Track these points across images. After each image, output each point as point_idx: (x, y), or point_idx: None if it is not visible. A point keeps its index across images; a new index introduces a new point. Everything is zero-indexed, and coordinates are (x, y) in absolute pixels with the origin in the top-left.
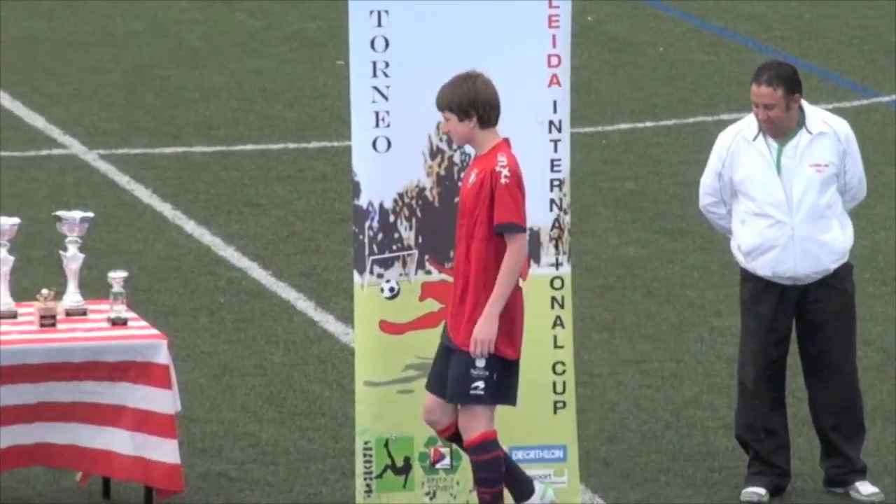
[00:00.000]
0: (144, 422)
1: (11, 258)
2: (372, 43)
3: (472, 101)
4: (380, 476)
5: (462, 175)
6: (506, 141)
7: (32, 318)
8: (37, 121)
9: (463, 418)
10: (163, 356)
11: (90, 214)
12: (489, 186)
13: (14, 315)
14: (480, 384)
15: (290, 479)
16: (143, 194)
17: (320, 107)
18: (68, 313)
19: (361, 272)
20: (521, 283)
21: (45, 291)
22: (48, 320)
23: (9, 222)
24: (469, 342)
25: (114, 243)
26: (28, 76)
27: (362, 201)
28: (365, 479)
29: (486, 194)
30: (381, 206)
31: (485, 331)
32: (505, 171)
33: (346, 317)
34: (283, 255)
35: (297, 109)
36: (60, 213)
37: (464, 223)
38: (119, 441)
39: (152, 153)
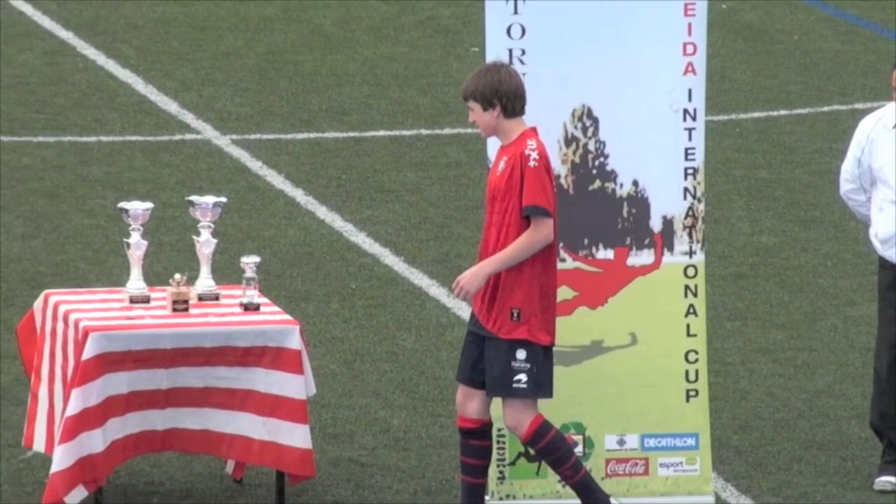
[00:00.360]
0: (276, 407)
1: (145, 242)
2: (508, 30)
3: (495, 91)
4: (513, 463)
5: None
6: (533, 129)
7: (165, 303)
8: (170, 106)
9: (511, 414)
10: (295, 341)
11: (223, 199)
12: (519, 170)
13: (147, 300)
14: (523, 377)
15: (422, 466)
16: (276, 180)
17: (454, 93)
18: (201, 298)
19: None
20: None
21: (177, 276)
22: (181, 305)
23: (142, 207)
24: (503, 328)
25: (246, 228)
26: (161, 61)
27: None
28: (498, 465)
29: (516, 179)
30: None
31: (471, 280)
32: (534, 155)
33: None
34: (415, 241)
35: (430, 96)
36: (193, 197)
37: (494, 210)
38: (251, 426)
39: (285, 139)
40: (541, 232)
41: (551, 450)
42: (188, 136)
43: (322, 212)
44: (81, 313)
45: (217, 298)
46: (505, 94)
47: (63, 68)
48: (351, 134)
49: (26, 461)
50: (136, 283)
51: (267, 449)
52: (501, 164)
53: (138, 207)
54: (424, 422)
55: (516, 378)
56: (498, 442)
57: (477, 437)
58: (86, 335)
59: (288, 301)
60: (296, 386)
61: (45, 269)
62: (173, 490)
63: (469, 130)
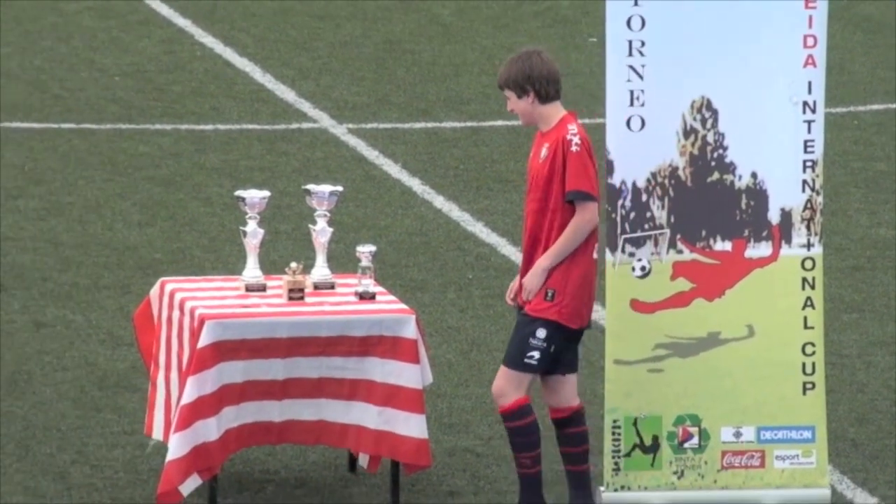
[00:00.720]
0: (392, 397)
1: (261, 231)
2: (628, 21)
3: (528, 77)
4: (628, 454)
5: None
6: (572, 114)
7: (281, 292)
8: (287, 94)
9: (502, 380)
10: (410, 331)
11: (339, 188)
12: (561, 155)
13: (263, 288)
14: (536, 354)
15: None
16: (393, 169)
17: (572, 84)
18: (316, 287)
19: (613, 250)
20: (595, 255)
21: (293, 265)
22: (296, 294)
23: (259, 195)
24: (534, 306)
25: (362, 217)
26: (279, 50)
27: (615, 180)
28: (613, 457)
29: (559, 164)
30: (633, 184)
31: (533, 280)
32: (576, 139)
33: (598, 295)
34: None
35: None
36: (310, 186)
37: (535, 197)
38: (366, 416)
39: (402, 128)
40: (585, 216)
41: (523, 433)
42: (305, 125)
43: (439, 201)
44: (197, 301)
45: (333, 287)
46: (537, 80)
47: (180, 56)
48: (469, 123)
49: (142, 448)
50: (251, 271)
51: (383, 439)
52: (543, 151)
53: (255, 196)
54: (541, 412)
55: (529, 354)
56: (613, 433)
57: (573, 425)
58: (201, 323)
59: (404, 290)
60: (412, 375)
61: (161, 256)
62: (288, 479)
63: (588, 121)
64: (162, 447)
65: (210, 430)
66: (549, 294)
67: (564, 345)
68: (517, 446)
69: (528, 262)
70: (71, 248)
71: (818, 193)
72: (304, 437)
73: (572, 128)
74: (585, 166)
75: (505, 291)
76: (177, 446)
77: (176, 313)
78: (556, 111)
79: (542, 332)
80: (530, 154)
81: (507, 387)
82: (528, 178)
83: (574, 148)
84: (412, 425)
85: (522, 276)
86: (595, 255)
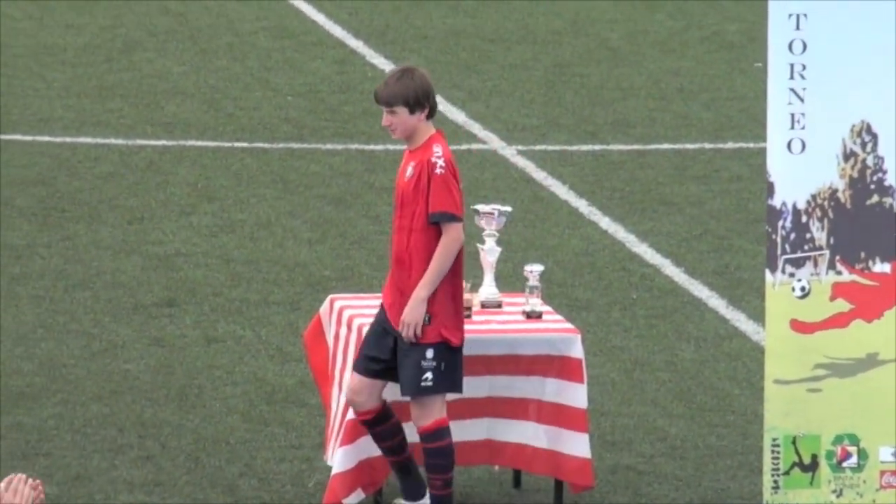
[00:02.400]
0: (557, 415)
1: None
2: (790, 45)
3: (426, 93)
4: (787, 473)
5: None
6: (440, 132)
7: None
8: (457, 116)
9: (415, 410)
10: (577, 350)
11: (508, 209)
12: (426, 177)
13: None
14: (429, 375)
15: (698, 475)
16: (560, 190)
17: (737, 108)
18: (484, 305)
19: (773, 271)
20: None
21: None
22: (465, 312)
23: None
24: (420, 337)
25: (529, 238)
26: (450, 72)
27: (776, 201)
28: (772, 475)
29: (423, 185)
30: (794, 206)
31: (413, 314)
32: (440, 162)
33: (758, 315)
34: (696, 252)
35: (713, 110)
36: (479, 206)
37: (403, 214)
38: (532, 434)
39: (570, 150)
40: (451, 236)
41: (439, 454)
42: (475, 146)
43: (605, 222)
44: (365, 318)
45: (500, 306)
46: (432, 96)
47: (352, 77)
48: (635, 146)
49: (309, 462)
50: None
51: (548, 457)
52: (410, 170)
53: None
54: (702, 431)
55: (424, 377)
56: (772, 452)
57: (381, 424)
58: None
59: (570, 310)
60: (577, 395)
61: (331, 273)
62: (453, 494)
63: (752, 144)
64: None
65: (375, 445)
66: (427, 319)
67: (451, 361)
68: (431, 468)
69: (393, 282)
70: (242, 265)
71: None
72: (470, 457)
73: (437, 149)
74: (449, 188)
75: (667, 312)
76: (342, 460)
77: (343, 330)
78: (429, 129)
79: (430, 353)
80: (398, 171)
81: (419, 415)
82: (395, 196)
83: (438, 170)
84: (577, 445)
85: (388, 296)
86: (460, 274)
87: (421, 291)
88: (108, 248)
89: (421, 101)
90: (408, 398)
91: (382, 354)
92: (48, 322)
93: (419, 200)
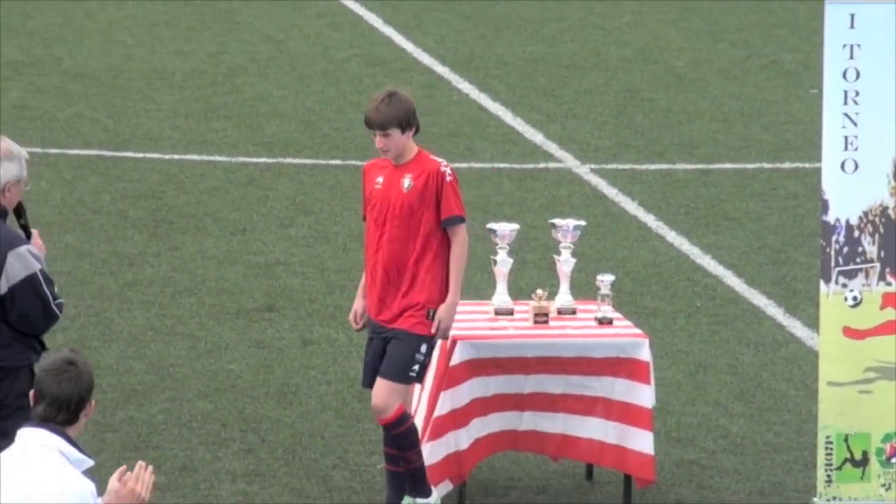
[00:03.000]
0: (625, 413)
1: (510, 260)
2: (844, 73)
3: (413, 113)
4: (839, 468)
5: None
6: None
7: (527, 316)
8: (535, 137)
9: (384, 393)
10: (644, 353)
11: (582, 223)
12: (434, 186)
13: (511, 312)
14: (417, 367)
15: (757, 469)
16: (630, 206)
17: (794, 131)
18: (559, 312)
19: (827, 282)
20: None
21: (539, 291)
22: (541, 318)
23: (509, 228)
24: (416, 325)
25: (601, 250)
26: (529, 96)
27: (830, 217)
28: (826, 470)
29: (430, 194)
30: (847, 222)
31: (449, 318)
32: (448, 171)
33: (812, 323)
34: (755, 264)
35: (772, 132)
36: (556, 220)
37: (404, 224)
38: (602, 430)
39: (639, 169)
40: (462, 237)
41: (407, 436)
42: (551, 165)
43: (671, 236)
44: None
45: (574, 312)
46: (415, 116)
47: (438, 101)
48: (699, 166)
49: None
50: (501, 296)
51: (615, 452)
52: (407, 181)
53: (505, 228)
54: (760, 429)
55: (413, 367)
56: (826, 448)
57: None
58: (454, 343)
59: (638, 316)
60: (644, 395)
61: None
62: (530, 486)
63: (808, 165)
64: None
65: (461, 439)
66: (431, 313)
67: (430, 355)
68: (406, 447)
69: (386, 285)
70: (336, 273)
71: None
72: (543, 447)
73: (440, 160)
74: (458, 193)
75: (729, 319)
76: (430, 454)
77: None
78: (412, 144)
79: (424, 348)
80: (374, 187)
81: (390, 399)
82: (374, 207)
83: (448, 178)
84: (642, 441)
85: (372, 298)
86: None
87: (454, 297)
88: (213, 257)
89: (410, 121)
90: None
91: (378, 361)
92: (157, 325)
93: (425, 207)
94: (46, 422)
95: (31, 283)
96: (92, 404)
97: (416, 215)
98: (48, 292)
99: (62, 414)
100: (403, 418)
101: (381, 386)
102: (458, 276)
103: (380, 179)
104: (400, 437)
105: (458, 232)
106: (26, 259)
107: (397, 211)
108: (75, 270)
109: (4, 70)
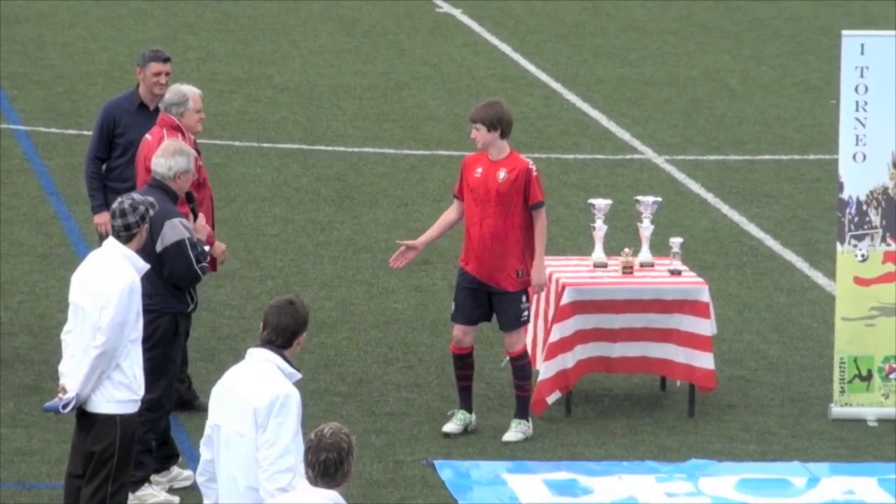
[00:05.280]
0: (692, 340)
1: (605, 226)
2: (856, 88)
3: (499, 118)
4: (850, 382)
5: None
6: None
7: (617, 268)
8: (624, 135)
9: (516, 339)
10: (705, 296)
11: (659, 199)
12: (523, 179)
13: (605, 265)
14: (525, 313)
15: (788, 382)
16: (694, 187)
17: (818, 131)
18: (641, 265)
19: (842, 243)
20: None
21: (626, 250)
22: (628, 270)
23: (604, 202)
24: (513, 284)
25: (673, 219)
26: (619, 105)
27: (845, 195)
28: (839, 383)
29: (520, 185)
30: (857, 198)
31: (542, 276)
32: (534, 167)
33: (831, 274)
34: (787, 230)
35: (801, 132)
36: (639, 197)
37: (499, 206)
38: (674, 353)
39: (701, 160)
40: (544, 218)
41: (528, 367)
42: (636, 156)
43: (725, 209)
44: (560, 273)
45: (653, 266)
46: (505, 122)
47: (552, 108)
48: (746, 157)
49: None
50: (598, 254)
51: (685, 369)
52: (502, 174)
53: (601, 202)
54: (790, 353)
55: (524, 315)
56: (840, 367)
57: (470, 357)
58: (563, 288)
59: (701, 269)
60: (705, 326)
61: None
62: (619, 394)
63: (827, 156)
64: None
65: (568, 360)
66: (520, 273)
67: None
68: (521, 378)
69: (490, 253)
70: None
71: None
72: (629, 367)
73: (528, 159)
74: (541, 185)
75: (767, 271)
76: (545, 371)
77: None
78: (505, 145)
79: (524, 298)
80: (474, 176)
81: (518, 340)
82: (477, 192)
83: (535, 173)
84: (705, 360)
85: (478, 263)
86: None
87: (541, 260)
88: (383, 224)
89: (494, 124)
90: (504, 331)
91: (481, 307)
92: (342, 274)
93: (516, 195)
94: (269, 344)
95: (179, 247)
96: (303, 336)
97: (509, 199)
98: (192, 256)
99: (280, 338)
100: (525, 354)
101: (509, 335)
102: (542, 245)
103: (479, 170)
104: (522, 366)
105: (542, 213)
106: (177, 228)
107: (488, 196)
108: (281, 233)
109: (230, 85)
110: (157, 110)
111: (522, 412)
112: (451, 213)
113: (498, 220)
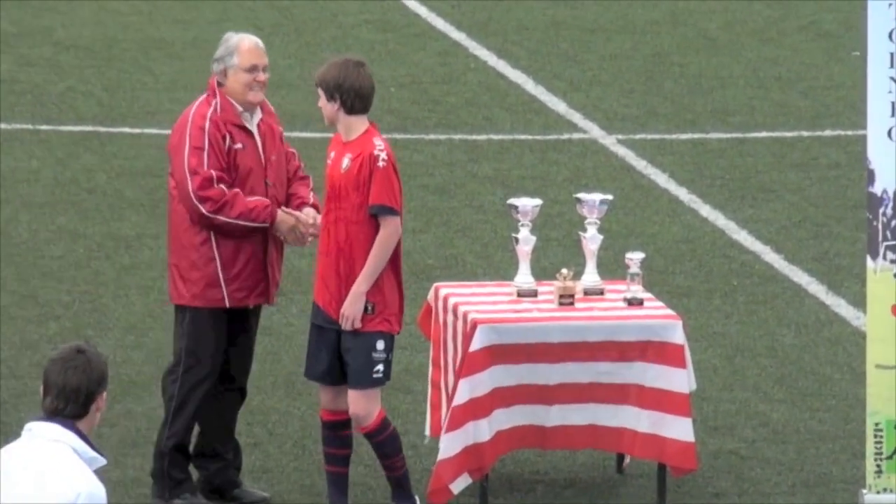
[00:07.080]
0: (660, 400)
1: (533, 238)
2: (890, 34)
3: (338, 85)
4: (890, 457)
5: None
6: (374, 126)
7: (552, 297)
8: (558, 106)
9: (360, 402)
10: (678, 336)
11: (609, 197)
12: (367, 169)
13: (534, 293)
14: (381, 367)
15: (800, 459)
16: (660, 179)
17: (835, 96)
18: (586, 293)
19: (875, 257)
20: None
21: (564, 271)
22: (567, 299)
23: (531, 203)
24: (366, 326)
25: (630, 225)
26: (551, 62)
27: (876, 189)
28: (875, 459)
29: (364, 177)
30: (894, 193)
31: (354, 308)
32: (382, 155)
33: (858, 301)
34: (795, 239)
35: (811, 98)
36: (581, 195)
37: (338, 206)
38: (634, 419)
39: (669, 139)
40: (388, 230)
41: (391, 443)
42: (575, 136)
43: (705, 210)
44: (470, 306)
45: (602, 293)
46: (347, 91)
47: (455, 68)
48: (734, 135)
49: (415, 448)
50: (523, 277)
51: (651, 442)
52: (346, 161)
53: (527, 204)
54: (803, 416)
55: (375, 369)
56: (875, 437)
57: (346, 428)
58: (474, 327)
59: (671, 296)
60: (679, 380)
61: (434, 262)
62: (557, 479)
63: (850, 132)
64: (432, 446)
65: (482, 431)
66: (370, 308)
67: (392, 351)
68: (388, 455)
69: (335, 273)
70: None
71: None
72: (573, 441)
73: (379, 143)
74: (391, 181)
75: (768, 298)
76: (448, 446)
77: (450, 317)
78: (361, 123)
79: (380, 345)
80: (328, 161)
81: (367, 406)
82: (326, 186)
83: (381, 163)
84: (679, 429)
85: (325, 290)
86: (400, 264)
87: (361, 286)
88: None
89: (331, 92)
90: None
91: (333, 353)
92: (156, 312)
93: (360, 192)
94: (55, 416)
95: None
96: (103, 397)
97: (350, 199)
98: None
99: (70, 406)
100: (384, 425)
101: (353, 395)
102: (371, 266)
103: (332, 154)
104: (382, 443)
105: (388, 223)
106: None
107: (333, 192)
108: (68, 254)
109: None
110: None
111: (403, 495)
112: None
113: (343, 228)
